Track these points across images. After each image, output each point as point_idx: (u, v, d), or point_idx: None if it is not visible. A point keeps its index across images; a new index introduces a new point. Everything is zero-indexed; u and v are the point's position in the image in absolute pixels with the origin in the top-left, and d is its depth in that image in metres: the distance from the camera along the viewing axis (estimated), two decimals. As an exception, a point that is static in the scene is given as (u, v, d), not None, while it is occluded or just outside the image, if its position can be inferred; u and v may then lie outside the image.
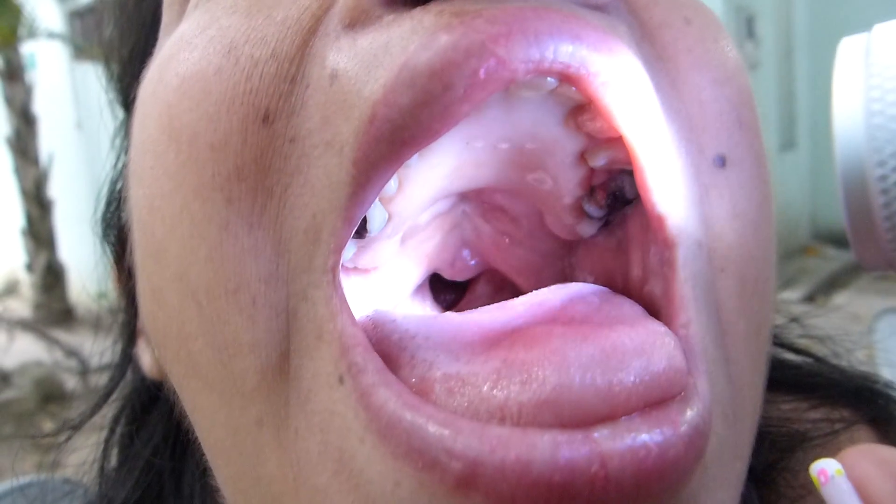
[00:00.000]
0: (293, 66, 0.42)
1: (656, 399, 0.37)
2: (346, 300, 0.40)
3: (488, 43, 0.36)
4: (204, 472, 0.64)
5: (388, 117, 0.38)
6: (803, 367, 0.75)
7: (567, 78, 0.39)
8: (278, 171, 0.41)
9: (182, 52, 0.46)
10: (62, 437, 0.76)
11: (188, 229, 0.43)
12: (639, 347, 0.38)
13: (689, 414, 0.37)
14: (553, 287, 0.47)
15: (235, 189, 0.42)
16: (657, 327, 0.41)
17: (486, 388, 0.37)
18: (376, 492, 0.37)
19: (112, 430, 0.74)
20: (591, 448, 0.34)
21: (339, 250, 0.40)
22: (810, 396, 0.71)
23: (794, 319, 0.80)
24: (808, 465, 0.40)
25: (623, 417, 0.36)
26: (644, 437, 0.35)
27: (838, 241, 6.49)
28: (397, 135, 0.38)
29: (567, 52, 0.38)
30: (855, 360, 0.76)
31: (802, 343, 0.78)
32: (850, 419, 0.69)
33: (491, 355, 0.39)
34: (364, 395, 0.38)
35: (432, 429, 0.36)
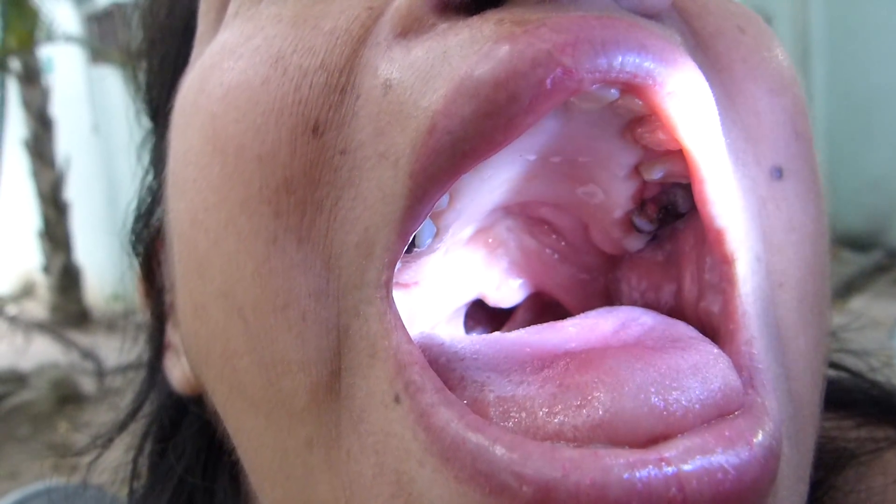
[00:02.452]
0: (343, 76, 0.41)
1: (712, 418, 0.36)
2: (399, 316, 0.39)
3: (554, 52, 0.35)
4: (237, 492, 0.63)
5: (449, 128, 0.36)
6: (843, 383, 0.73)
7: (632, 89, 0.38)
8: (328, 184, 0.40)
9: (226, 62, 0.45)
10: (90, 456, 0.75)
11: (234, 244, 0.42)
12: (693, 367, 0.37)
13: (762, 435, 0.36)
14: (603, 309, 0.46)
15: (284, 202, 0.40)
16: (710, 348, 0.39)
17: (542, 412, 0.36)
18: None
19: (140, 448, 0.73)
20: (666, 469, 0.33)
21: (392, 265, 0.39)
22: (852, 414, 0.69)
23: (831, 333, 0.75)
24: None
25: (688, 433, 0.35)
26: (720, 458, 0.34)
27: (856, 244, 6.45)
28: (458, 147, 0.37)
29: (633, 62, 0.37)
30: (893, 374, 0.74)
31: (836, 356, 0.75)
32: (895, 437, 0.66)
33: (545, 378, 0.38)
34: (423, 415, 0.36)
35: (499, 451, 0.34)
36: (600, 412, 0.35)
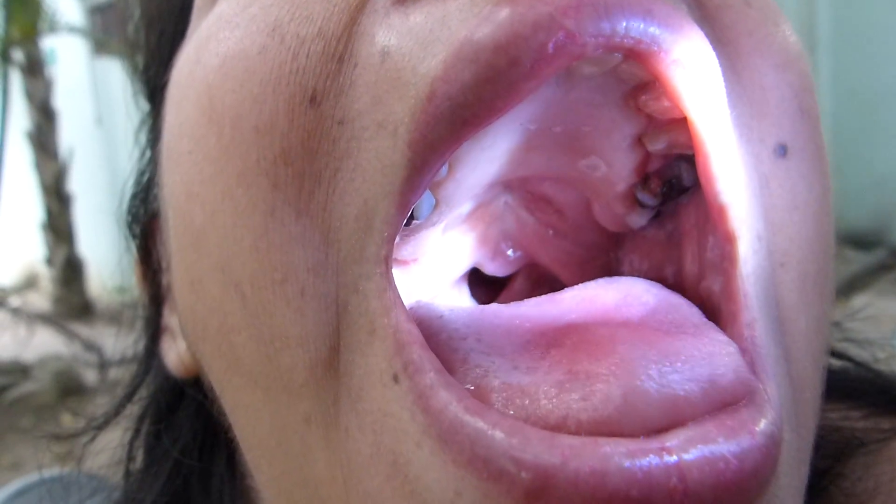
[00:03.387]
0: (340, 44, 0.40)
1: (719, 409, 0.35)
2: (398, 294, 0.38)
3: (557, 15, 0.34)
4: (233, 474, 0.63)
5: (449, 94, 0.36)
6: (849, 373, 0.72)
7: (637, 55, 0.37)
8: (326, 155, 0.39)
9: (222, 32, 0.44)
10: (85, 438, 0.74)
11: (231, 217, 0.41)
12: (704, 358, 0.36)
13: (764, 423, 0.35)
14: (602, 281, 0.45)
15: (282, 174, 0.40)
16: (720, 336, 0.39)
17: (546, 401, 0.35)
18: (434, 500, 0.35)
19: (137, 430, 0.73)
20: (667, 459, 0.32)
21: (392, 239, 0.38)
22: (858, 405, 0.68)
23: (835, 324, 0.76)
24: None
25: (691, 423, 0.34)
26: (722, 447, 0.33)
27: (858, 242, 6.43)
28: (458, 113, 0.36)
29: (638, 27, 0.36)
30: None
31: (840, 346, 0.75)
32: None
33: (552, 362, 0.37)
34: (422, 396, 0.36)
35: (498, 436, 0.33)
36: (609, 409, 0.34)
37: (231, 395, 0.46)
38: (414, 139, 0.37)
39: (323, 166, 0.39)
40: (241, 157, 0.41)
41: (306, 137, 0.39)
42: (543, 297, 0.44)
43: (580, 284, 0.45)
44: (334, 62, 0.40)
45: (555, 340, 0.39)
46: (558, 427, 0.34)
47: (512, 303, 0.45)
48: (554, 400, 0.35)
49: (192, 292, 0.46)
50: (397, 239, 0.44)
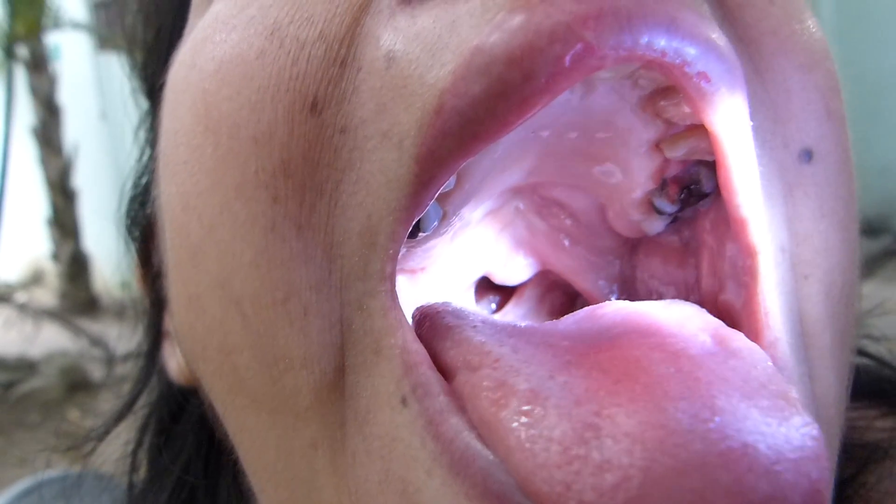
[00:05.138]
0: (343, 47, 0.38)
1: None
2: (403, 313, 0.37)
3: (575, 26, 0.32)
4: (240, 493, 0.60)
5: (458, 108, 0.33)
6: (869, 372, 0.69)
7: (658, 66, 0.35)
8: (328, 166, 0.37)
9: (218, 34, 0.42)
10: (88, 447, 0.73)
11: (230, 231, 0.39)
12: (769, 450, 0.30)
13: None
14: (652, 303, 0.40)
15: (282, 186, 0.38)
16: (794, 413, 0.32)
17: (561, 448, 0.31)
18: None
19: (140, 442, 0.71)
20: None
21: (396, 256, 0.36)
22: (878, 403, 0.65)
23: None
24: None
25: None
26: None
27: (864, 229, 6.40)
28: (467, 128, 0.33)
29: (661, 41, 0.33)
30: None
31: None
32: None
33: (587, 391, 0.33)
34: (432, 422, 0.34)
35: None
36: (619, 500, 0.30)
37: (234, 418, 0.44)
38: (421, 153, 0.35)
39: (325, 178, 0.38)
40: (240, 168, 0.39)
41: (307, 148, 0.38)
42: (581, 313, 0.41)
43: (622, 301, 0.41)
44: (336, 66, 0.38)
45: (598, 362, 0.35)
46: (565, 488, 0.30)
47: (547, 322, 0.42)
48: (570, 452, 0.31)
49: (190, 309, 0.44)
50: (403, 250, 0.42)
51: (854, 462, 0.60)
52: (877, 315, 0.76)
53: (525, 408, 0.33)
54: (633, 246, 0.49)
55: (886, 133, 6.58)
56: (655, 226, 0.46)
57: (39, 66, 8.41)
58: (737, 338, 0.37)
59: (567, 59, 0.32)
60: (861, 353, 0.71)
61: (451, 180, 0.40)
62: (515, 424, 0.32)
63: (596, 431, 0.31)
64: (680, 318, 0.38)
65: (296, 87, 0.38)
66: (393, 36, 0.37)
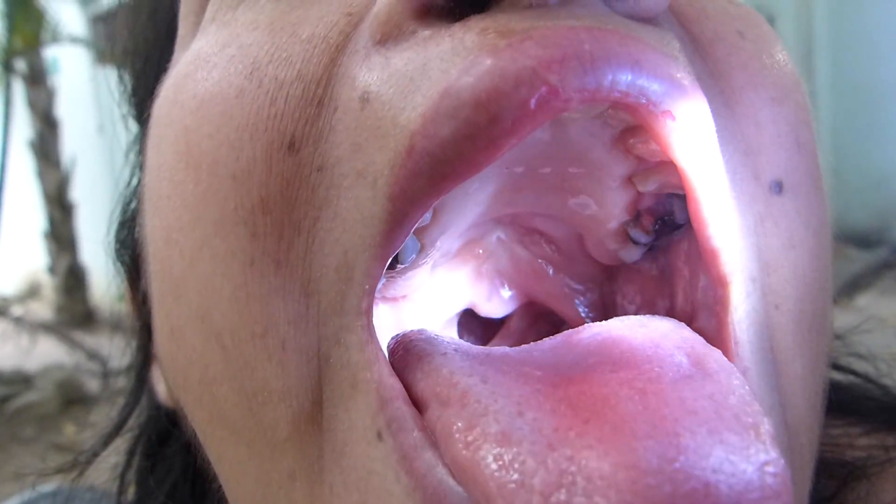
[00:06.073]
0: (320, 87, 0.39)
1: None
2: (381, 347, 0.37)
3: (540, 70, 0.33)
4: None
5: (428, 150, 0.34)
6: (852, 389, 0.70)
7: (623, 106, 0.36)
8: (305, 204, 0.38)
9: (199, 72, 0.43)
10: (76, 472, 0.73)
11: (210, 266, 0.40)
12: (736, 495, 0.30)
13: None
14: (628, 320, 0.41)
15: (260, 223, 0.38)
16: (772, 453, 0.32)
17: (544, 500, 0.31)
18: None
19: (128, 464, 0.71)
20: None
21: (372, 292, 0.37)
22: (861, 420, 0.66)
23: (839, 337, 0.74)
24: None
25: None
26: None
27: (860, 241, 6.41)
28: (437, 169, 0.34)
29: (626, 80, 0.34)
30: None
31: (845, 361, 0.72)
32: None
33: (559, 432, 0.33)
34: (406, 457, 0.34)
35: None
36: None
37: (215, 447, 0.45)
38: (394, 192, 0.36)
39: (302, 215, 0.38)
40: (219, 204, 0.39)
41: (285, 186, 0.38)
42: (557, 338, 0.41)
43: (599, 323, 0.42)
44: (314, 106, 0.39)
45: (567, 397, 0.35)
46: None
47: (522, 346, 0.42)
48: (551, 500, 0.31)
49: (172, 340, 0.45)
50: (383, 280, 0.43)
51: (834, 481, 0.60)
52: (865, 331, 0.76)
53: (498, 450, 0.33)
54: (613, 273, 0.50)
55: (882, 146, 6.60)
56: (632, 254, 0.47)
57: (37, 79, 8.42)
58: (713, 357, 0.37)
59: (532, 101, 0.33)
60: (846, 370, 0.72)
61: (427, 215, 0.41)
62: (492, 471, 0.32)
63: (572, 477, 0.31)
64: (655, 338, 0.39)
65: (274, 126, 0.39)
66: (368, 76, 0.38)
